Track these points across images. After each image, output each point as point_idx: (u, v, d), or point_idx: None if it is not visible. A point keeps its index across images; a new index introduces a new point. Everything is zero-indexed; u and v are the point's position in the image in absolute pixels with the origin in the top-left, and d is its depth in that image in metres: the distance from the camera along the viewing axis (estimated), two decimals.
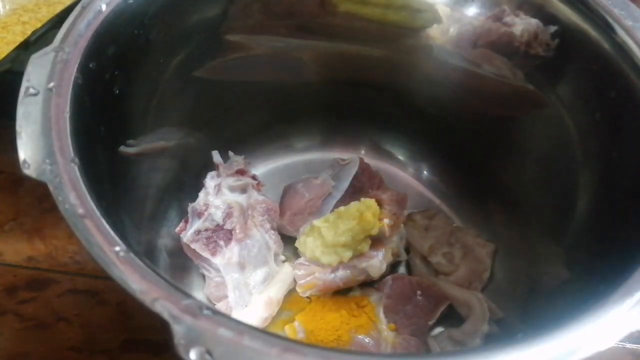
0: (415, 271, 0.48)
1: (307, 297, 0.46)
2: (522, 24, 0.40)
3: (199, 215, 0.45)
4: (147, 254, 0.42)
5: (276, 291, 0.45)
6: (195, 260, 0.46)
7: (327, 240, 0.43)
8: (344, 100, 0.53)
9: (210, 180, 0.47)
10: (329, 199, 0.49)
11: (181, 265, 0.47)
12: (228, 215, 0.45)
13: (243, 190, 0.47)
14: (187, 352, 0.21)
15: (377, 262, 0.44)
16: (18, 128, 0.28)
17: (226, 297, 0.44)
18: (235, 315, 0.43)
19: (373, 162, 0.53)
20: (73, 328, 0.46)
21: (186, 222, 0.46)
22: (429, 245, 0.48)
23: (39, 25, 0.54)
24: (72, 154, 0.28)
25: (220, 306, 0.44)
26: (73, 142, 0.28)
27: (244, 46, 0.46)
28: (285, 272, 0.46)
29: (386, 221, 0.45)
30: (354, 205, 0.45)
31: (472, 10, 0.43)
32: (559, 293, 0.38)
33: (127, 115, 0.38)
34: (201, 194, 0.46)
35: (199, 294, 0.46)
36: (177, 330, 0.22)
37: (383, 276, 0.46)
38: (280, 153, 0.56)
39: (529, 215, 0.46)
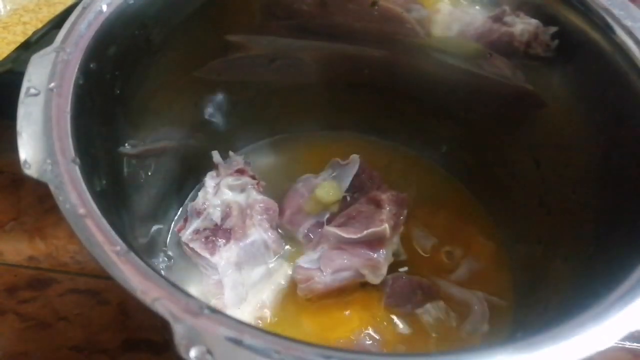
0: (416, 270, 0.48)
1: (308, 298, 0.46)
2: (522, 24, 0.40)
3: (198, 214, 0.45)
4: (147, 253, 0.42)
5: (271, 292, 0.45)
6: (193, 259, 0.46)
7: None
8: (344, 100, 0.53)
9: (209, 180, 0.47)
10: None
11: (181, 265, 0.47)
12: (227, 214, 0.45)
13: (242, 189, 0.47)
14: (188, 352, 0.21)
15: (379, 265, 0.44)
16: (19, 128, 0.28)
17: (222, 295, 0.44)
18: (229, 314, 0.43)
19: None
20: (73, 328, 0.46)
21: (186, 221, 0.46)
22: (430, 244, 0.48)
23: (40, 25, 0.54)
24: (72, 154, 0.28)
25: (214, 304, 0.44)
26: (74, 142, 0.28)
27: (244, 46, 0.46)
28: (284, 272, 0.46)
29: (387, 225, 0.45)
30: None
31: (472, 10, 0.43)
32: (559, 293, 0.38)
33: (128, 115, 0.38)
34: (200, 194, 0.46)
35: (198, 293, 0.46)
36: (178, 329, 0.22)
37: None
38: (280, 152, 0.56)
39: (529, 215, 0.46)
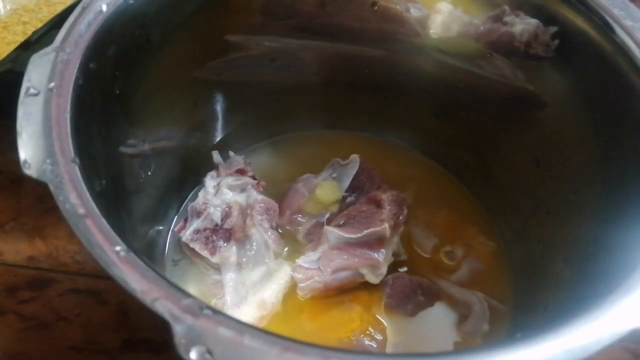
0: (416, 271, 0.48)
1: (309, 298, 0.46)
2: (522, 24, 0.40)
3: (198, 214, 0.45)
4: (147, 253, 0.42)
5: (271, 292, 0.45)
6: (194, 259, 0.46)
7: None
8: (344, 100, 0.53)
9: (209, 180, 0.47)
10: None
11: (181, 265, 0.47)
12: (227, 214, 0.45)
13: (242, 189, 0.47)
14: (188, 352, 0.21)
15: (378, 265, 0.44)
16: (19, 128, 0.28)
17: (223, 295, 0.44)
18: (229, 314, 0.43)
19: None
20: (73, 328, 0.46)
21: (186, 221, 0.46)
22: (430, 244, 0.48)
23: (39, 25, 0.54)
24: (72, 154, 0.28)
25: (215, 304, 0.44)
26: (74, 142, 0.28)
27: (244, 46, 0.46)
28: (284, 272, 0.46)
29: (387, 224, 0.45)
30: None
31: (472, 10, 0.43)
32: (559, 292, 0.38)
33: (127, 115, 0.38)
34: (201, 194, 0.47)
35: (198, 293, 0.46)
36: (178, 330, 0.22)
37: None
38: (280, 152, 0.56)
39: (529, 215, 0.46)
